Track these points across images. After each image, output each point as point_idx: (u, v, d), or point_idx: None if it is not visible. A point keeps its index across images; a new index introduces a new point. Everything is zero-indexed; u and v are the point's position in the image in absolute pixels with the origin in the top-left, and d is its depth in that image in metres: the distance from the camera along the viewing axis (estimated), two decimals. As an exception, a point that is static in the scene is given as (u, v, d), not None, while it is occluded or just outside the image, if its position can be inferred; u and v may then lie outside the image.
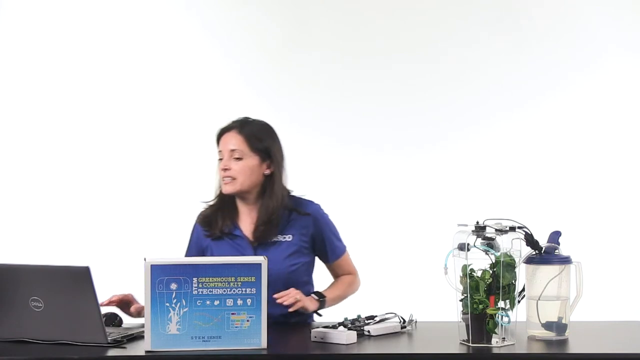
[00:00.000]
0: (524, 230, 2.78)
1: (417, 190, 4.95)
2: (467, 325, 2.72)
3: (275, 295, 3.02)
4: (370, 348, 2.78)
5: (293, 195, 3.27)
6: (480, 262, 2.72)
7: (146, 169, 4.96)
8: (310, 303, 3.12)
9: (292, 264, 3.20)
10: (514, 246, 2.74)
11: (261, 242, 3.20)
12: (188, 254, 3.31)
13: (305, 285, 3.24)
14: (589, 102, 4.95)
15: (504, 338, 2.72)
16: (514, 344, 2.72)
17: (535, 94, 4.95)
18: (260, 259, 2.70)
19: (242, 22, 4.99)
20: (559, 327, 2.81)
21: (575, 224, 4.55)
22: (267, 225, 3.19)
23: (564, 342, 2.79)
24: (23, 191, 4.97)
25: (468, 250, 2.71)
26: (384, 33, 4.97)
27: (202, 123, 4.95)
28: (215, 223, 3.24)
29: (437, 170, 4.96)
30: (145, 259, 2.65)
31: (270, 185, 3.21)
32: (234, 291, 2.67)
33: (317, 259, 3.32)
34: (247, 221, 3.24)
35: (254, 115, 3.33)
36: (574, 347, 2.75)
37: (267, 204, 3.19)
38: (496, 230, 2.73)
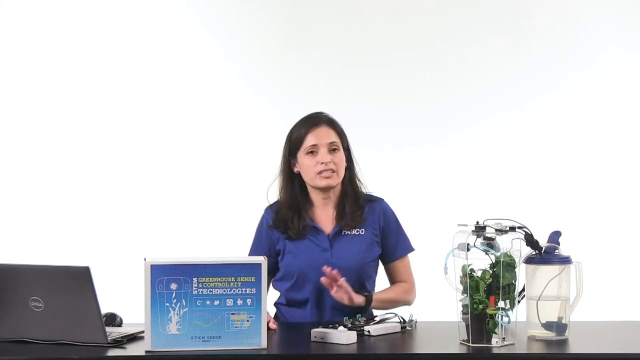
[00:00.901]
0: (524, 230, 2.78)
1: (417, 190, 4.95)
2: (467, 325, 2.72)
3: (325, 268, 3.01)
4: (370, 348, 2.78)
5: (364, 193, 3.30)
6: (480, 262, 2.72)
7: (146, 169, 4.96)
8: (356, 299, 3.09)
9: (365, 257, 3.20)
10: (514, 246, 2.74)
11: (344, 227, 3.20)
12: (256, 248, 3.27)
13: (372, 282, 3.24)
14: (589, 102, 4.95)
15: (504, 338, 2.71)
16: (514, 344, 2.72)
17: (535, 94, 4.95)
18: (260, 259, 2.70)
19: (242, 22, 4.99)
20: (559, 327, 2.81)
21: (575, 224, 4.55)
22: (349, 216, 3.20)
23: (564, 342, 2.78)
24: (23, 191, 4.96)
25: (468, 250, 2.71)
26: (384, 33, 4.97)
27: (202, 123, 4.96)
28: (292, 223, 3.21)
29: (437, 170, 4.96)
30: (145, 259, 2.66)
31: (351, 177, 3.27)
32: (234, 291, 2.67)
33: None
34: (323, 215, 3.25)
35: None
36: (574, 347, 2.75)
37: (346, 195, 3.23)
38: (496, 230, 2.73)
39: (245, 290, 2.68)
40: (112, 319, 3.05)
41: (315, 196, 3.25)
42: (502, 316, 2.70)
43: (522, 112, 4.96)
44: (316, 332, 2.81)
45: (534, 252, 2.82)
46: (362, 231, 3.23)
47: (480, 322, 2.70)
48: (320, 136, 3.21)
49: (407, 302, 3.28)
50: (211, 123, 4.98)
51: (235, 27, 4.99)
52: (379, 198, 3.32)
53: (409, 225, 4.90)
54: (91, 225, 4.93)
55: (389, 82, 4.97)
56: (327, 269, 3.03)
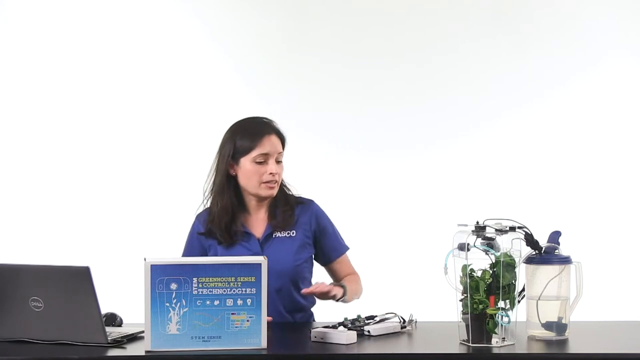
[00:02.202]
0: (524, 230, 2.78)
1: (417, 191, 4.96)
2: (467, 325, 2.72)
3: (304, 291, 3.05)
4: (370, 348, 2.78)
5: (293, 195, 3.29)
6: (480, 262, 2.72)
7: (146, 169, 4.96)
8: (337, 290, 3.11)
9: (297, 259, 3.20)
10: (514, 246, 2.74)
11: (271, 237, 3.20)
12: (188, 254, 3.28)
13: (307, 283, 3.25)
14: (589, 103, 4.95)
15: (504, 338, 2.71)
16: (514, 344, 2.72)
17: (536, 95, 4.95)
18: (260, 259, 2.70)
19: (242, 22, 4.99)
20: (559, 327, 2.81)
21: (575, 224, 4.55)
22: (281, 217, 3.20)
23: (564, 342, 2.79)
24: (23, 191, 4.97)
25: (468, 250, 2.71)
26: (384, 34, 4.97)
27: (202, 123, 4.96)
28: (225, 229, 3.19)
29: (437, 171, 4.97)
30: (145, 259, 2.66)
31: (282, 181, 3.26)
32: (234, 291, 2.67)
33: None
34: (255, 219, 3.24)
35: (254, 115, 3.33)
36: (574, 347, 2.75)
37: (279, 198, 3.22)
38: (496, 230, 2.73)
39: (245, 290, 2.68)
40: (112, 319, 3.05)
41: (249, 201, 3.24)
42: (502, 316, 2.70)
43: (522, 113, 4.96)
44: (316, 332, 2.82)
45: (534, 252, 2.82)
46: (293, 233, 3.22)
47: (480, 322, 2.70)
48: (272, 145, 3.18)
49: (360, 292, 3.31)
50: (211, 123, 4.97)
51: (235, 27, 4.99)
52: (309, 200, 3.30)
53: (409, 226, 4.93)
54: (91, 225, 4.93)
55: (389, 82, 4.98)
56: (305, 291, 3.05)
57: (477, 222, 2.74)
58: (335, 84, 4.98)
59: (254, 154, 3.16)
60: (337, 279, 3.31)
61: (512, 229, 2.75)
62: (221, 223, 3.20)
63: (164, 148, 4.98)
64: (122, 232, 4.90)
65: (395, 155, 4.98)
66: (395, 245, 4.87)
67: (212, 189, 3.26)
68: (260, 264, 2.69)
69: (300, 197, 3.29)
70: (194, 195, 5.00)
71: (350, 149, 4.97)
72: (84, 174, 4.96)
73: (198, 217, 3.30)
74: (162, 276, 2.65)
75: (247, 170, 3.17)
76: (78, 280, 2.71)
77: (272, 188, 3.18)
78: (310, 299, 3.26)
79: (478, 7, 4.96)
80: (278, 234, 3.22)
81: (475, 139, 4.98)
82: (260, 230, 3.23)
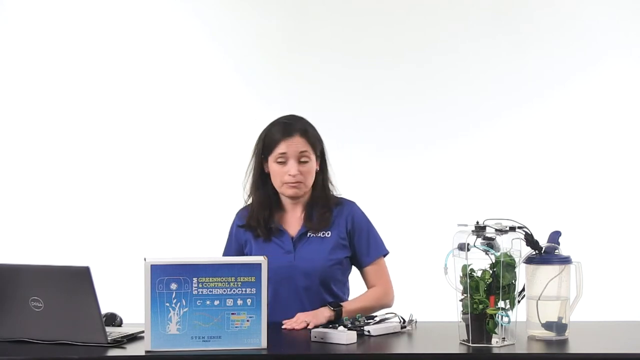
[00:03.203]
0: (524, 230, 2.78)
1: (417, 191, 4.96)
2: (467, 325, 2.72)
3: (285, 327, 3.01)
4: (370, 348, 2.78)
5: (334, 195, 3.29)
6: (480, 262, 2.72)
7: (146, 169, 4.96)
8: (321, 317, 3.06)
9: (330, 259, 3.19)
10: (514, 246, 2.73)
11: (305, 236, 3.20)
12: (227, 249, 3.30)
13: (340, 285, 3.23)
14: (589, 103, 4.95)
15: (504, 338, 2.71)
16: (514, 344, 2.72)
17: (536, 95, 4.96)
18: (260, 259, 2.70)
19: (242, 22, 4.99)
20: (559, 327, 2.81)
21: (575, 224, 4.55)
22: (317, 218, 3.20)
23: (564, 342, 2.78)
24: (23, 191, 4.97)
25: (468, 250, 2.70)
26: (384, 34, 4.97)
27: (202, 123, 4.97)
28: (263, 223, 3.22)
29: (437, 170, 4.97)
30: (145, 259, 2.66)
31: (321, 180, 3.25)
32: (234, 291, 2.67)
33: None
34: (291, 217, 3.25)
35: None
36: (574, 347, 2.75)
37: (316, 198, 3.22)
38: (496, 230, 2.73)
39: (245, 290, 2.68)
40: (112, 319, 3.05)
41: (284, 199, 3.25)
42: (502, 316, 2.70)
43: (522, 113, 4.96)
44: (316, 332, 2.82)
45: (534, 252, 2.82)
46: (328, 234, 3.21)
47: (480, 322, 2.70)
48: (291, 146, 3.18)
49: (384, 306, 3.24)
50: (211, 123, 4.98)
51: (235, 27, 4.99)
52: (349, 201, 3.30)
53: (409, 226, 4.93)
54: (91, 225, 4.93)
55: (389, 83, 4.98)
56: (286, 326, 3.02)
57: (477, 222, 2.74)
58: (335, 84, 4.98)
59: (275, 154, 3.18)
60: (368, 286, 3.28)
61: (512, 229, 2.75)
62: (259, 218, 3.22)
63: (164, 148, 4.98)
64: (122, 232, 4.90)
65: (395, 155, 4.98)
66: (395, 245, 4.85)
67: (251, 186, 3.27)
68: (260, 264, 2.69)
69: (341, 198, 3.29)
70: (194, 195, 5.04)
71: (350, 149, 4.96)
72: (84, 174, 4.96)
73: (238, 213, 3.31)
74: (162, 276, 2.65)
75: (272, 169, 3.20)
76: (78, 280, 2.71)
77: (294, 188, 3.17)
78: (342, 300, 3.22)
79: (478, 7, 4.96)
80: (312, 234, 3.21)
81: (475, 139, 4.98)
82: (295, 228, 3.23)
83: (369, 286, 3.27)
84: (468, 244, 2.71)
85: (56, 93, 4.97)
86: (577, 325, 2.87)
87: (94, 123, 4.98)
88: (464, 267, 2.72)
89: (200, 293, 2.66)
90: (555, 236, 2.86)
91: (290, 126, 3.21)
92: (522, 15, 4.95)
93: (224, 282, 2.67)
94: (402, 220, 4.92)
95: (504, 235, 2.73)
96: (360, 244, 3.25)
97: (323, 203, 3.23)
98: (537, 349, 2.74)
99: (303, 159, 3.18)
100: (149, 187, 4.95)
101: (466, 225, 2.74)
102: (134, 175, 4.96)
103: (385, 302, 3.25)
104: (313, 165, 3.21)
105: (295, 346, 2.86)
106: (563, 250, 2.85)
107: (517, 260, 2.73)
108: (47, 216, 4.94)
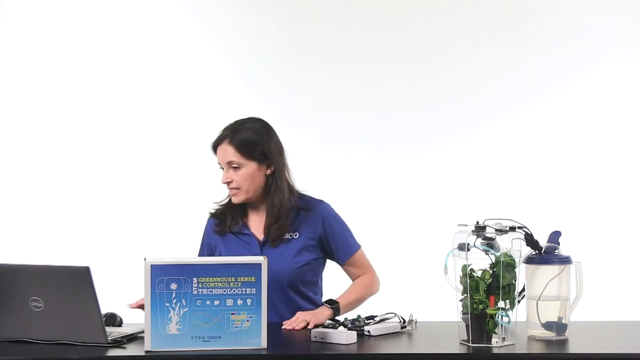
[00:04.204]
0: (524, 230, 2.78)
1: (417, 191, 4.96)
2: (467, 325, 2.72)
3: (285, 327, 3.01)
4: (370, 348, 2.78)
5: (303, 195, 3.27)
6: (480, 262, 2.72)
7: (146, 169, 4.96)
8: (321, 317, 3.07)
9: (296, 261, 3.19)
10: (514, 246, 2.74)
11: (270, 239, 3.20)
12: (200, 254, 3.33)
13: (311, 286, 3.24)
14: (589, 103, 4.95)
15: (504, 338, 2.71)
16: (514, 344, 2.72)
17: (536, 95, 4.96)
18: (260, 259, 2.70)
19: (242, 22, 4.99)
20: (559, 327, 2.81)
21: (575, 224, 4.55)
22: (276, 223, 3.19)
23: (564, 342, 2.79)
24: (23, 191, 4.97)
25: (468, 250, 2.71)
26: (384, 34, 4.97)
27: (202, 123, 4.96)
28: (225, 221, 3.26)
29: (437, 170, 4.97)
30: (145, 259, 2.66)
31: (274, 183, 3.21)
32: (234, 291, 2.67)
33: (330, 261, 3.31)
34: (255, 220, 3.25)
35: (254, 115, 3.32)
36: (574, 347, 2.75)
37: (273, 202, 3.20)
38: (496, 230, 2.73)
39: (245, 290, 2.68)
40: (112, 319, 3.05)
41: (247, 204, 3.27)
42: (502, 316, 2.70)
43: (522, 113, 4.97)
44: (316, 332, 2.82)
45: (534, 252, 2.82)
46: (296, 235, 3.21)
47: (480, 322, 2.70)
48: (220, 154, 3.21)
49: (373, 293, 3.27)
50: (211, 123, 4.95)
51: (235, 27, 4.99)
52: (318, 201, 3.28)
53: (409, 226, 4.93)
54: (91, 225, 4.93)
55: (389, 83, 4.98)
56: (287, 327, 3.01)
57: (477, 222, 2.74)
58: (335, 84, 4.98)
59: (217, 162, 3.23)
60: (352, 280, 3.30)
61: (512, 229, 2.75)
62: (228, 223, 3.24)
63: (164, 148, 4.98)
64: (122, 232, 4.90)
65: (395, 155, 4.98)
66: (395, 245, 4.87)
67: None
68: (260, 264, 2.69)
69: (310, 198, 3.27)
70: (194, 195, 5.03)
71: (350, 149, 4.97)
72: (84, 174, 4.96)
73: (209, 220, 3.33)
74: (162, 276, 2.65)
75: None
76: (78, 280, 2.71)
77: (233, 195, 3.20)
78: (314, 301, 3.25)
79: (478, 7, 4.96)
80: (280, 236, 3.21)
81: (475, 139, 4.98)
82: (260, 232, 3.24)
83: (353, 279, 3.29)
84: (468, 244, 2.71)
85: (56, 93, 4.97)
86: (577, 325, 2.87)
87: (94, 123, 4.98)
88: (464, 267, 2.72)
89: (200, 293, 2.66)
90: (555, 236, 2.86)
91: (221, 134, 3.23)
92: (522, 15, 4.95)
93: (224, 282, 2.67)
94: (402, 220, 4.92)
95: (504, 235, 2.73)
96: (335, 244, 3.24)
97: (281, 203, 3.19)
98: (537, 349, 2.74)
99: (234, 166, 3.18)
100: (149, 187, 4.95)
101: (466, 225, 2.74)
102: (134, 175, 4.96)
103: (374, 289, 3.28)
104: (248, 171, 3.18)
105: (295, 346, 2.86)
106: (563, 250, 2.85)
107: (517, 260, 2.73)
108: (47, 216, 4.94)
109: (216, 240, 3.28)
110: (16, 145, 4.97)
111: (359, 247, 3.29)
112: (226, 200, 3.29)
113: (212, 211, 3.32)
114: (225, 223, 3.26)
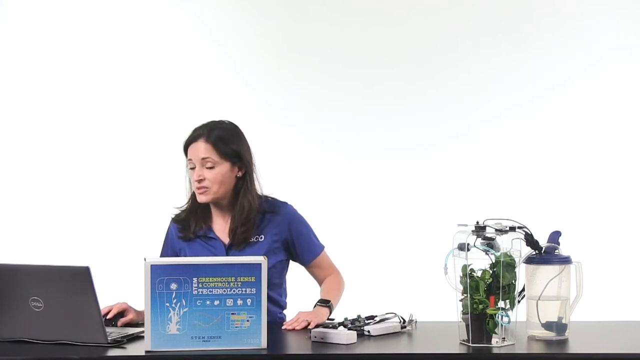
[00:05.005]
0: (524, 230, 2.78)
1: (417, 191, 4.96)
2: (467, 325, 2.72)
3: (285, 327, 3.00)
4: (370, 348, 2.78)
5: (267, 198, 3.26)
6: (480, 262, 2.72)
7: (146, 170, 4.96)
8: (322, 316, 3.08)
9: None
10: (514, 246, 2.74)
11: (236, 243, 3.19)
12: (163, 255, 3.31)
13: (276, 287, 3.25)
14: (589, 103, 4.95)
15: (504, 338, 2.72)
16: (514, 344, 2.72)
17: (536, 95, 4.96)
18: (260, 259, 2.71)
19: (242, 22, 4.99)
20: (559, 327, 2.81)
21: (575, 224, 4.55)
22: (243, 226, 3.18)
23: (564, 342, 2.79)
24: (23, 191, 4.97)
25: (468, 250, 2.71)
26: (384, 34, 4.97)
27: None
28: (189, 226, 3.24)
29: (437, 170, 4.97)
30: (145, 259, 2.66)
31: (243, 187, 3.20)
32: (234, 291, 2.67)
33: (294, 263, 3.32)
34: (220, 223, 3.24)
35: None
36: (574, 347, 2.75)
37: (242, 205, 3.19)
38: (496, 230, 2.73)
39: (245, 290, 2.68)
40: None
41: (211, 206, 3.25)
42: (502, 316, 2.70)
43: (522, 113, 4.97)
44: (316, 332, 2.82)
45: (534, 252, 2.82)
46: (261, 237, 3.21)
47: (480, 322, 2.70)
48: (194, 151, 3.18)
49: (343, 289, 3.29)
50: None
51: (235, 27, 4.99)
52: (283, 203, 3.27)
53: (409, 226, 4.93)
54: (91, 225, 4.93)
55: (389, 83, 4.98)
56: (287, 327, 3.00)
57: (477, 222, 2.74)
58: (335, 84, 4.98)
59: (187, 160, 3.22)
60: (318, 281, 3.30)
61: (512, 229, 2.75)
62: (192, 226, 3.23)
63: (163, 148, 4.97)
64: (122, 232, 4.90)
65: (395, 155, 4.98)
66: (396, 245, 4.87)
67: (189, 194, 3.29)
68: (260, 264, 2.69)
69: (274, 201, 3.26)
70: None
71: (350, 149, 4.97)
72: (84, 174, 4.97)
73: (172, 223, 3.32)
74: (162, 276, 2.65)
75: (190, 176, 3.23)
76: (78, 280, 2.71)
77: (201, 194, 3.17)
78: (279, 302, 3.25)
79: (478, 7, 4.96)
80: (246, 239, 3.19)
81: (475, 139, 4.98)
82: (225, 235, 3.22)
83: (320, 278, 3.29)
84: (468, 244, 2.71)
85: (56, 93, 4.97)
86: (577, 325, 2.87)
87: (94, 123, 4.98)
88: (464, 267, 2.72)
89: (200, 293, 2.66)
90: (555, 236, 2.86)
91: (196, 132, 3.21)
92: (522, 15, 4.95)
93: (224, 282, 2.67)
94: (402, 220, 4.92)
95: (504, 235, 2.73)
96: (301, 246, 3.25)
97: (250, 207, 3.18)
98: (537, 349, 2.74)
99: (207, 165, 3.16)
100: (149, 187, 4.95)
101: (466, 225, 2.74)
102: (134, 175, 4.96)
103: (344, 286, 3.30)
104: (221, 171, 3.17)
105: (295, 346, 2.86)
106: (563, 250, 2.85)
107: (517, 260, 2.73)
108: (47, 216, 4.94)
109: (181, 244, 3.26)
110: (16, 145, 4.98)
111: (323, 247, 3.31)
112: (187, 205, 3.27)
113: (174, 216, 3.30)
114: (189, 228, 3.24)
